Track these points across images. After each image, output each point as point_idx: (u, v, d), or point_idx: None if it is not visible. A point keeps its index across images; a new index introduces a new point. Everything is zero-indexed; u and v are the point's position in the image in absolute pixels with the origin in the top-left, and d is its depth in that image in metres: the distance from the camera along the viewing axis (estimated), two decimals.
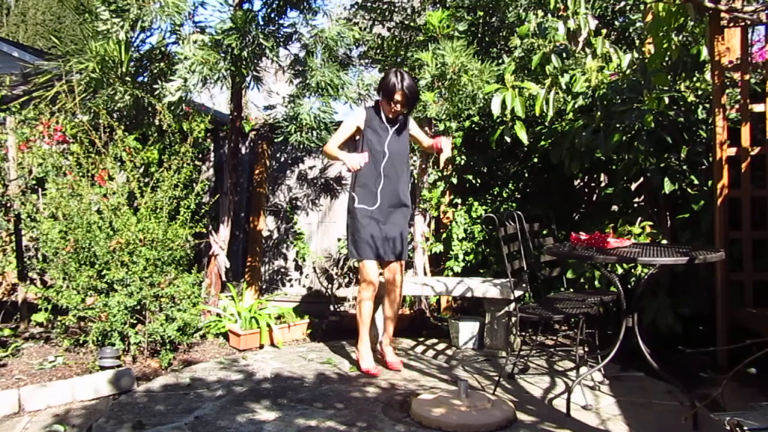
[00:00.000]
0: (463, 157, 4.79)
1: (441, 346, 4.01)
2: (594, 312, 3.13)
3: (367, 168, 3.38)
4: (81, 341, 3.52)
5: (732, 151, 3.34)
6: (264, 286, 5.33)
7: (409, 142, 3.57)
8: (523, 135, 3.93)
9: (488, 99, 3.86)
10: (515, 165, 4.82)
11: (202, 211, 4.00)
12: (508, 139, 4.02)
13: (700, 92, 3.78)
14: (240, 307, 4.19)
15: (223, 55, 3.70)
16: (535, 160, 4.67)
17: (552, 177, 4.58)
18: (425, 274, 4.78)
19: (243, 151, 5.42)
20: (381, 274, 3.60)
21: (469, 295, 3.92)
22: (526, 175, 4.79)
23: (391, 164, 3.41)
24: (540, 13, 4.27)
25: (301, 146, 4.08)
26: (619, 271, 3.74)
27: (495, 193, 4.78)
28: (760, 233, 3.36)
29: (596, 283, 3.91)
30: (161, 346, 3.56)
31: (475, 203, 4.69)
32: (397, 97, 3.30)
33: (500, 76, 3.96)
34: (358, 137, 3.48)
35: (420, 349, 3.96)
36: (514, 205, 4.53)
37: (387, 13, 4.97)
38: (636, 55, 3.99)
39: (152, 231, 3.60)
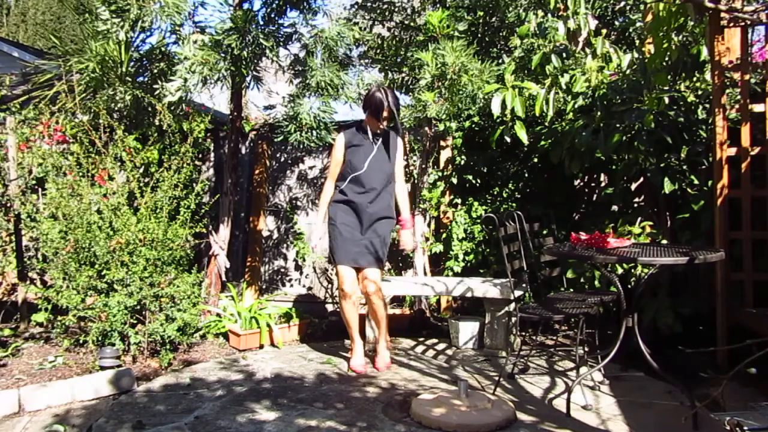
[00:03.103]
0: (463, 157, 4.79)
1: (441, 346, 4.01)
2: (594, 312, 3.13)
3: (348, 183, 3.46)
4: (81, 341, 3.53)
5: (732, 151, 3.34)
6: (264, 286, 5.33)
7: (394, 157, 3.56)
8: (523, 135, 3.93)
9: (488, 99, 3.86)
10: (515, 165, 4.81)
11: (202, 211, 4.00)
12: (508, 139, 4.02)
13: (700, 92, 3.78)
14: (240, 307, 4.19)
15: (223, 55, 3.70)
16: (535, 160, 4.67)
17: (552, 177, 4.58)
18: (425, 274, 4.78)
19: (243, 151, 5.42)
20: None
21: (469, 295, 3.92)
22: (526, 175, 4.79)
23: (373, 179, 3.44)
24: (540, 13, 4.27)
25: (301, 146, 4.08)
26: (619, 271, 3.74)
27: (495, 193, 4.78)
28: (760, 233, 3.36)
29: (596, 283, 3.91)
30: (161, 346, 3.56)
31: (475, 203, 4.69)
32: (385, 113, 3.41)
33: (500, 76, 3.96)
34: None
35: (420, 349, 3.96)
36: (514, 205, 4.53)
37: (387, 13, 4.97)
38: (636, 55, 3.98)
39: (152, 231, 3.60)
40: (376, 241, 3.42)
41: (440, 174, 4.90)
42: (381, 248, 3.44)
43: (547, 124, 4.25)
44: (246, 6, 4.05)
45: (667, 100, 3.50)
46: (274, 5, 4.05)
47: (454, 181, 4.82)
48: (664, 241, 3.69)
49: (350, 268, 3.41)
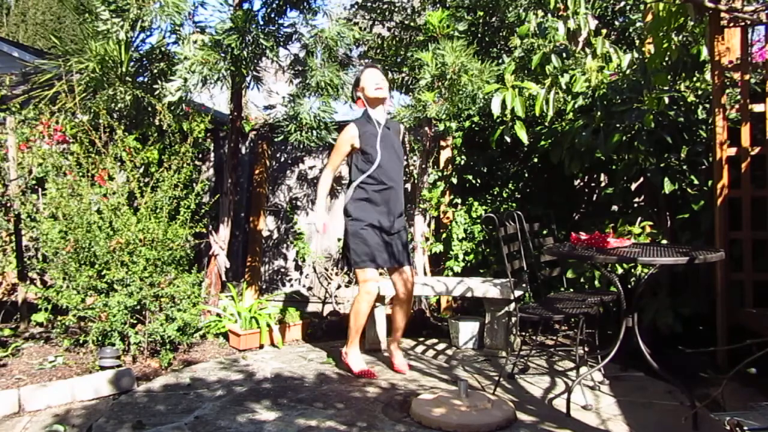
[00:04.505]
0: (463, 157, 4.79)
1: (441, 346, 4.01)
2: (594, 312, 3.13)
3: (370, 179, 3.30)
4: (81, 341, 3.53)
5: (732, 151, 3.34)
6: (264, 286, 5.33)
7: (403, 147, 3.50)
8: (523, 135, 3.93)
9: (488, 99, 3.86)
10: (515, 165, 4.82)
11: (202, 211, 4.00)
12: (508, 139, 4.02)
13: (700, 92, 3.78)
14: (240, 307, 4.19)
15: (223, 55, 3.70)
16: (535, 160, 4.67)
17: (552, 177, 4.58)
18: (425, 274, 4.79)
19: (243, 151, 5.42)
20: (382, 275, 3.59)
21: (469, 295, 3.92)
22: (526, 175, 4.79)
23: (390, 172, 3.34)
24: (540, 13, 4.27)
25: (301, 146, 4.08)
26: (619, 271, 3.74)
27: (495, 193, 4.78)
28: (760, 233, 3.36)
29: (596, 283, 3.91)
30: (161, 346, 3.56)
31: (475, 203, 4.69)
32: (376, 75, 3.33)
33: (500, 76, 3.96)
34: (354, 154, 3.36)
35: (420, 349, 3.96)
36: (514, 205, 4.53)
37: (387, 13, 4.97)
38: (636, 55, 3.99)
39: (152, 231, 3.60)
40: (403, 238, 3.41)
41: (440, 174, 4.90)
42: (407, 245, 3.44)
43: (547, 124, 4.26)
44: (246, 6, 4.05)
45: (667, 100, 3.50)
46: (274, 5, 4.05)
47: (454, 181, 4.82)
48: (664, 241, 3.69)
49: (373, 270, 3.32)
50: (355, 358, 3.41)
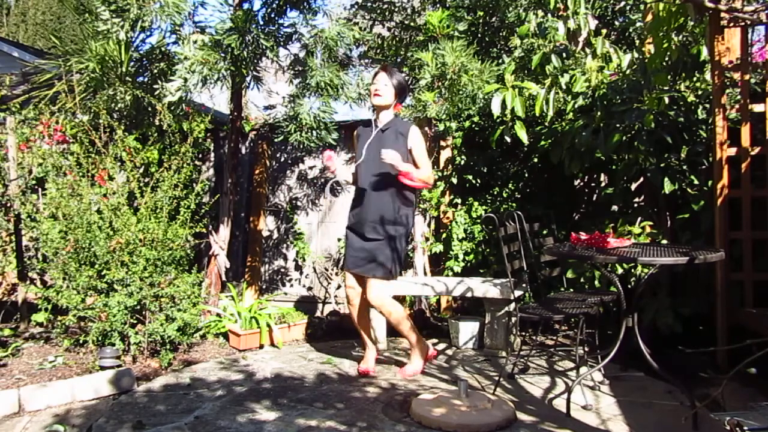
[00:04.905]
0: (463, 157, 4.79)
1: (441, 346, 4.01)
2: (594, 312, 3.13)
3: (354, 181, 3.43)
4: (81, 341, 3.53)
5: (732, 151, 3.34)
6: (264, 286, 5.33)
7: (406, 152, 3.23)
8: (523, 135, 3.93)
9: (488, 99, 3.86)
10: (515, 165, 4.82)
11: (202, 211, 4.00)
12: (508, 139, 4.02)
13: (700, 92, 3.78)
14: (240, 307, 4.19)
15: (223, 55, 3.69)
16: (535, 160, 4.67)
17: (552, 177, 4.58)
18: (425, 274, 4.79)
19: (243, 151, 5.42)
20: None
21: (469, 295, 3.92)
22: (526, 175, 4.79)
23: (366, 175, 3.26)
24: (540, 13, 4.27)
25: (301, 146, 4.08)
26: (619, 271, 3.74)
27: (495, 193, 4.78)
28: (760, 233, 3.36)
29: (596, 283, 3.91)
30: (161, 346, 3.57)
31: (475, 203, 4.69)
32: (377, 81, 3.28)
33: (500, 76, 3.96)
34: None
35: None
36: (514, 205, 4.53)
37: (387, 13, 4.97)
38: (636, 55, 3.99)
39: (152, 231, 3.60)
40: (378, 248, 3.21)
41: (440, 174, 4.90)
42: (381, 254, 3.19)
43: (547, 124, 4.25)
44: (246, 6, 4.05)
45: (667, 100, 3.50)
46: (274, 5, 4.05)
47: (454, 181, 4.82)
48: (664, 241, 3.69)
49: (350, 274, 3.38)
50: (364, 357, 3.49)
